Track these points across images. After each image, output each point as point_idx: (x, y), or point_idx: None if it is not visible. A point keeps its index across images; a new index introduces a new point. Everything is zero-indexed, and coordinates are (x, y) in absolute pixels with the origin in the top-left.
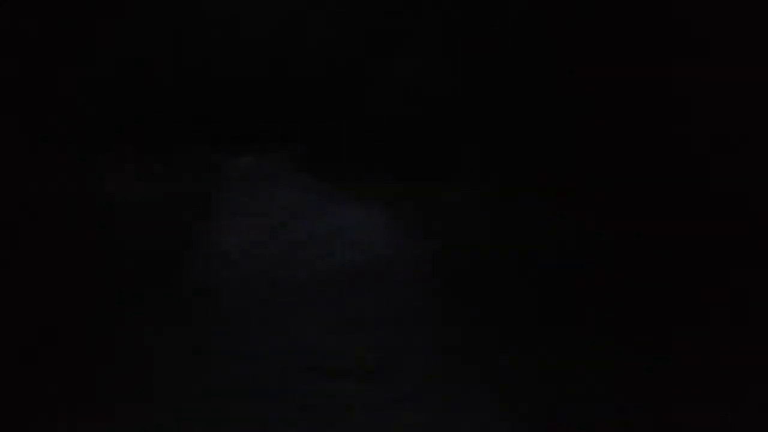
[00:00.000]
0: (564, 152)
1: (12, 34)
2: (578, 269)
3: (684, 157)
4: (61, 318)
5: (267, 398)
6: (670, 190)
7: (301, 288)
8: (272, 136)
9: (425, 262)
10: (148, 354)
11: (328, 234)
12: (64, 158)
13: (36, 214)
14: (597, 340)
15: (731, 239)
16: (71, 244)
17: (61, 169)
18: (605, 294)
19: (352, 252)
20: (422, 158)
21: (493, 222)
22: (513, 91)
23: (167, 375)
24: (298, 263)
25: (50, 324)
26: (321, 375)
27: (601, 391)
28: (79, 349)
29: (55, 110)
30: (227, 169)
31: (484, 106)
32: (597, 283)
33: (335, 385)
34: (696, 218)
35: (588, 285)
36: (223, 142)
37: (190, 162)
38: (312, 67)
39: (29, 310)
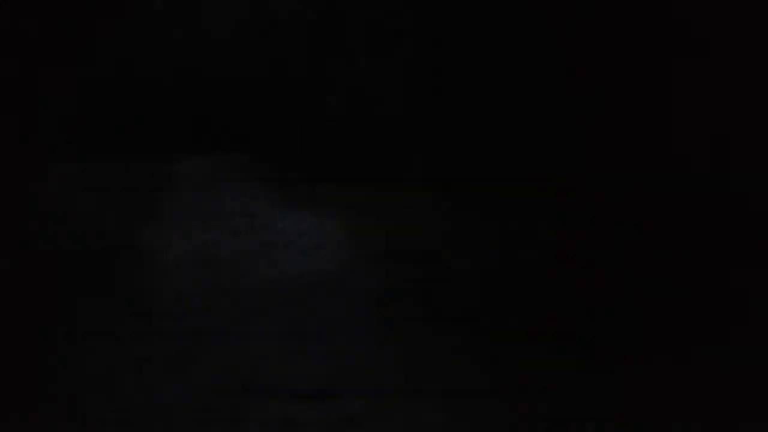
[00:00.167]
0: (563, 152)
1: (12, 34)
2: (569, 269)
3: (684, 157)
4: None
5: (202, 424)
6: (670, 190)
7: (248, 298)
8: (224, 139)
9: (378, 273)
10: (72, 369)
11: (278, 241)
12: (10, 156)
13: None
14: (591, 343)
15: (731, 239)
16: (2, 248)
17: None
18: (604, 294)
19: (303, 261)
20: (385, 164)
21: (454, 231)
22: (512, 91)
23: (94, 392)
24: (245, 272)
25: None
26: (262, 395)
27: (590, 391)
28: (4, 363)
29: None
30: (177, 173)
31: (477, 102)
32: (596, 283)
33: (277, 406)
34: (696, 218)
35: (586, 285)
36: (173, 146)
37: (138, 166)
38: (266, 69)
39: None
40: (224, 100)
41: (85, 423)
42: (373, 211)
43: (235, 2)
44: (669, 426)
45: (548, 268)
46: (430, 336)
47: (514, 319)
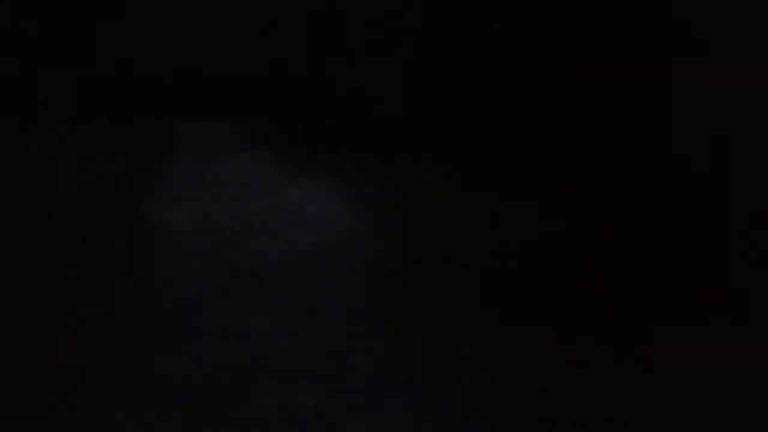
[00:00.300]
0: (562, 152)
1: (12, 34)
2: (570, 268)
3: (684, 157)
4: None
5: (198, 405)
6: (670, 190)
7: (250, 273)
8: (233, 107)
9: (388, 248)
10: (68, 348)
11: (284, 211)
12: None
13: None
14: (587, 342)
15: (731, 239)
16: None
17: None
18: (602, 294)
19: (309, 232)
20: (395, 139)
21: (467, 209)
22: (511, 91)
23: (91, 375)
24: (248, 244)
25: None
26: (263, 377)
27: (585, 391)
28: None
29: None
30: (183, 139)
31: (477, 102)
32: (594, 283)
33: (279, 389)
34: (695, 218)
35: (584, 285)
36: (183, 112)
37: (149, 131)
38: (266, 69)
39: None
40: (235, 70)
41: (67, 402)
42: (389, 185)
43: (235, 2)
44: (669, 426)
45: (548, 269)
46: (443, 318)
47: (533, 303)
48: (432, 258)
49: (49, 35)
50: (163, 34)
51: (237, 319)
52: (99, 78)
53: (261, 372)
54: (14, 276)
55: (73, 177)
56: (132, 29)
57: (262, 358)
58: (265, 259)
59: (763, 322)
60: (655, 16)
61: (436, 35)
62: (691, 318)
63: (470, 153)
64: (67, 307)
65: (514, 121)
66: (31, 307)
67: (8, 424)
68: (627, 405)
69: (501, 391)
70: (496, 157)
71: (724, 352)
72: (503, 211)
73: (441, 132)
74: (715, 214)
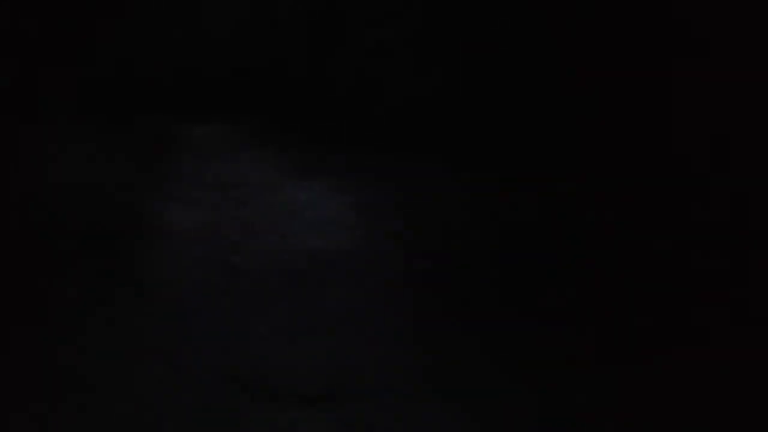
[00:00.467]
0: (563, 151)
1: (12, 34)
2: (570, 268)
3: (684, 157)
4: None
5: (187, 425)
6: (670, 190)
7: (250, 281)
8: (233, 107)
9: (394, 255)
10: (67, 349)
11: (288, 215)
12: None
13: None
14: (587, 342)
15: (731, 239)
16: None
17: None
18: (601, 294)
19: (312, 238)
20: (396, 138)
21: (468, 209)
22: (510, 91)
23: (90, 376)
24: (249, 244)
25: None
26: (256, 396)
27: (585, 391)
28: None
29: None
30: (183, 139)
31: (477, 102)
32: (594, 282)
33: (270, 409)
34: (695, 218)
35: (584, 285)
36: (184, 112)
37: (150, 131)
38: (266, 69)
39: None
40: (236, 69)
41: (66, 402)
42: (394, 184)
43: (235, 2)
44: (669, 426)
45: (549, 268)
46: (451, 333)
47: (544, 313)
48: (432, 258)
49: (49, 35)
50: (163, 34)
51: (237, 321)
52: (99, 78)
53: (262, 391)
54: (14, 276)
55: (73, 177)
56: (132, 29)
57: (262, 376)
58: (265, 259)
59: (763, 322)
60: (655, 16)
61: (436, 35)
62: (691, 318)
63: (470, 153)
64: (67, 308)
65: (515, 121)
66: (31, 307)
67: (8, 424)
68: (627, 405)
69: (501, 391)
70: (496, 157)
71: (724, 352)
72: (504, 211)
73: (441, 132)
74: (715, 213)
